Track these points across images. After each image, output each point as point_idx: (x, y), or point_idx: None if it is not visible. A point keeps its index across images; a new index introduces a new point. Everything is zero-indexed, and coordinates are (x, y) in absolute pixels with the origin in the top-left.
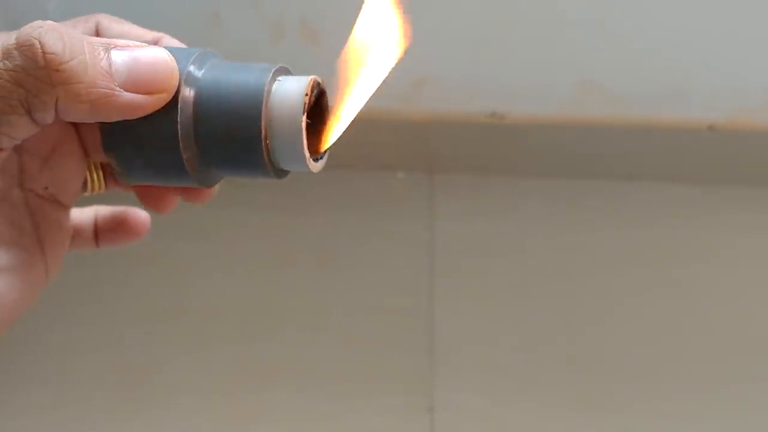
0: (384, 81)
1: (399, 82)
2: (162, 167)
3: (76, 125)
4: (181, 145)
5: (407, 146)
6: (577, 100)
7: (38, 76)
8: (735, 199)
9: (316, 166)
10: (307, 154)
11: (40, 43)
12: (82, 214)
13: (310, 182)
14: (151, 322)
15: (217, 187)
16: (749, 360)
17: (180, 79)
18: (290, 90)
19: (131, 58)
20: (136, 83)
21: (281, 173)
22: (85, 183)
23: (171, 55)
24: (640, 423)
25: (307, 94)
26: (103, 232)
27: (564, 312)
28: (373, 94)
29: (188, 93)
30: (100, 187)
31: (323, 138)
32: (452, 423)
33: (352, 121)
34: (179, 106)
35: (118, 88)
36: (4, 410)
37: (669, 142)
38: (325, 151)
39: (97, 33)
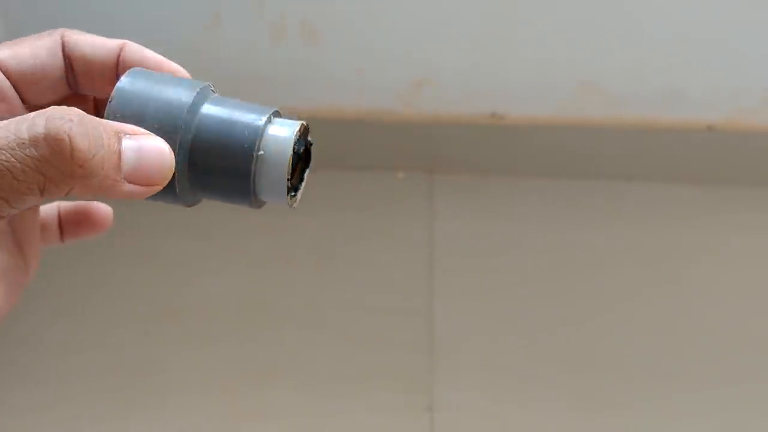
0: (384, 82)
1: (399, 83)
2: None
3: None
4: (176, 170)
5: (407, 146)
6: (577, 101)
7: (61, 169)
8: (734, 199)
9: (293, 202)
10: (287, 193)
11: (69, 138)
12: (45, 210)
13: (310, 182)
14: (150, 320)
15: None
16: (749, 360)
17: (183, 111)
18: (281, 135)
19: (138, 153)
20: (138, 177)
21: (262, 203)
22: None
23: (170, 148)
24: (638, 421)
25: (295, 142)
26: (67, 225)
27: (563, 311)
28: (374, 94)
29: (188, 126)
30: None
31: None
32: (452, 422)
33: (354, 121)
34: (178, 140)
35: (122, 180)
36: (4, 409)
37: (668, 142)
38: (299, 189)
39: (63, 46)
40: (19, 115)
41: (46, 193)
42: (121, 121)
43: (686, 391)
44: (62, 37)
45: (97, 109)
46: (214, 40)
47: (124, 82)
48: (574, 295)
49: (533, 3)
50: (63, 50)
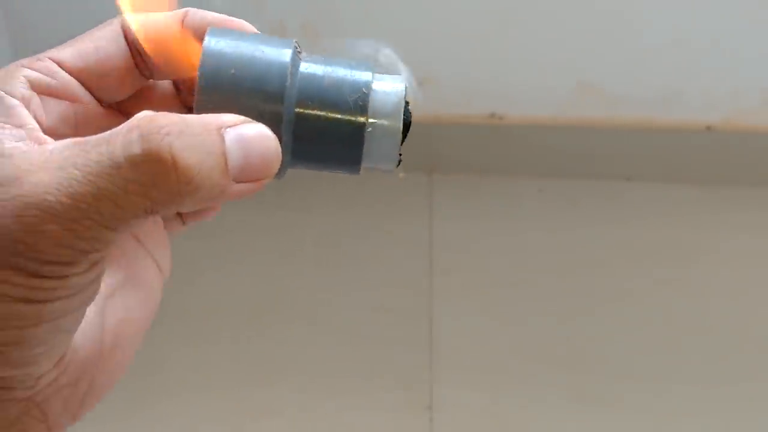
0: None
1: None
2: None
3: None
4: (282, 138)
5: (407, 147)
6: (576, 102)
7: (168, 190)
8: (733, 199)
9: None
10: (399, 156)
11: (172, 156)
12: None
13: (311, 182)
14: (155, 319)
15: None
16: (748, 359)
17: (285, 78)
18: (391, 95)
19: (244, 148)
20: (247, 175)
21: (360, 170)
22: None
23: (274, 134)
24: (638, 420)
25: (406, 100)
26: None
27: (562, 311)
28: None
29: (291, 94)
30: None
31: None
32: (451, 420)
33: None
34: (284, 112)
35: (230, 182)
36: None
37: (667, 142)
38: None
39: (125, 32)
40: (97, 116)
41: (154, 213)
42: (215, 100)
43: (686, 390)
44: (122, 23)
45: (178, 90)
46: None
47: (207, 51)
48: (573, 295)
49: (533, 4)
50: (126, 37)
